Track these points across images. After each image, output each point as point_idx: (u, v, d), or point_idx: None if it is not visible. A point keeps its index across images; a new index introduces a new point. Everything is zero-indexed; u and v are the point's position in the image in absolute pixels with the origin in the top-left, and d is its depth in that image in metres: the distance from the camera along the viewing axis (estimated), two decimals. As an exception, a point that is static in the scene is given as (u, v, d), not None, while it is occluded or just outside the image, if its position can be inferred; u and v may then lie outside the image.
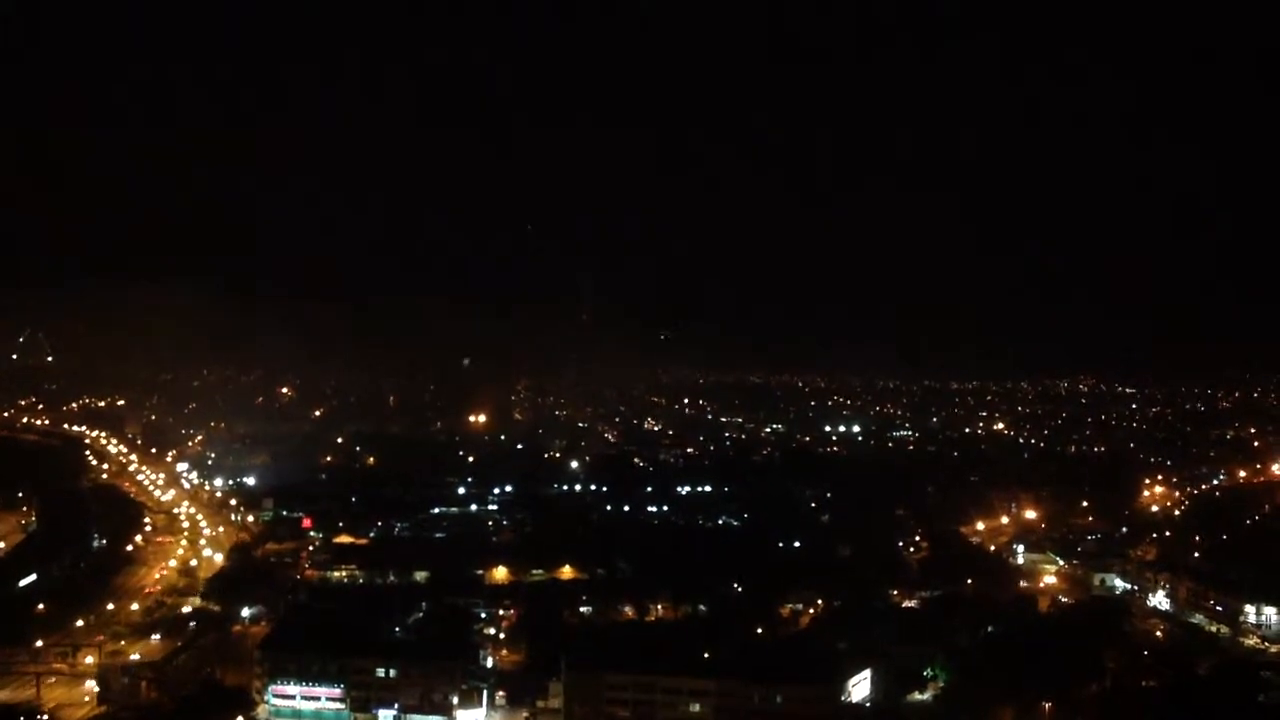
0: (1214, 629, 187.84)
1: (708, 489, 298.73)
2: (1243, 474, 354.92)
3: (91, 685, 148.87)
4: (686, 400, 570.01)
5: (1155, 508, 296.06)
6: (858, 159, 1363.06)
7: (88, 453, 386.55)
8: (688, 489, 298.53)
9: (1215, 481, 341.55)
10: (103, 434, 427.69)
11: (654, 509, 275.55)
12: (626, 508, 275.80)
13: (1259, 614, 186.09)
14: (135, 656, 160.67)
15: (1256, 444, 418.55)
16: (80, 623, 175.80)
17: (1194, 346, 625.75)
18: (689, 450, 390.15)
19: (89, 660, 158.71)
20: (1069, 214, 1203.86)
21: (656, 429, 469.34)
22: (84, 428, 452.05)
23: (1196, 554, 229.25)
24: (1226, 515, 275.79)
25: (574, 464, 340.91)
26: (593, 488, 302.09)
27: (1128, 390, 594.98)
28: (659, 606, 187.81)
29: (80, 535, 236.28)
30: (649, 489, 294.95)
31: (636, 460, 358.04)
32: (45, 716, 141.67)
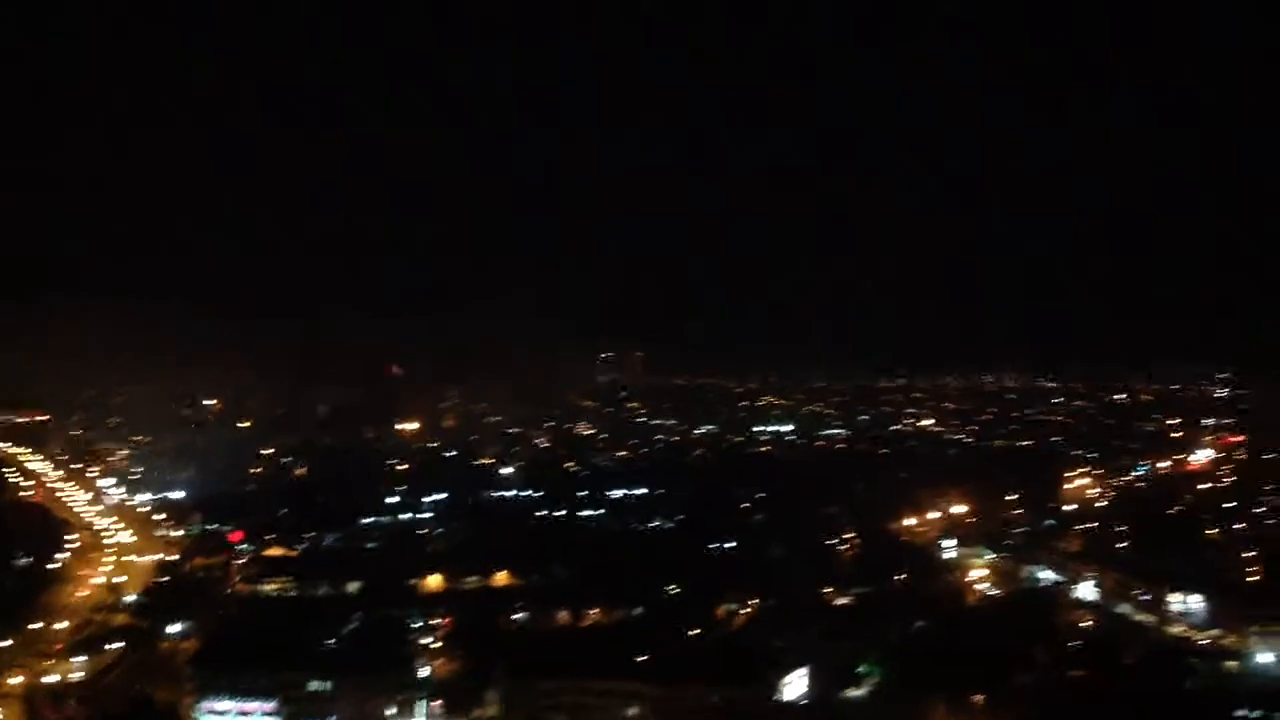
0: (1141, 618, 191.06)
1: (641, 492, 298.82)
2: (1164, 465, 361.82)
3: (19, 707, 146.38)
4: (617, 404, 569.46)
5: (1081, 500, 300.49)
6: (786, 155, 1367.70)
7: (8, 469, 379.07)
8: (621, 492, 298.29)
9: (1138, 472, 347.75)
10: (24, 450, 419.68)
11: (588, 513, 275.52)
12: (560, 513, 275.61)
13: (1184, 602, 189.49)
14: (61, 676, 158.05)
15: (1178, 435, 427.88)
16: (6, 643, 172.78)
17: (1114, 339, 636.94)
18: (621, 454, 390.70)
19: (16, 681, 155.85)
20: (992, 208, 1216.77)
21: (588, 433, 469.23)
22: (4, 444, 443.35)
23: (1122, 545, 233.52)
24: (1150, 506, 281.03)
25: (507, 470, 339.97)
26: (526, 493, 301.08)
27: (1050, 384, 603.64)
28: (595, 610, 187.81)
29: (2, 554, 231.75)
30: (582, 493, 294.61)
31: (569, 465, 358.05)
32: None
